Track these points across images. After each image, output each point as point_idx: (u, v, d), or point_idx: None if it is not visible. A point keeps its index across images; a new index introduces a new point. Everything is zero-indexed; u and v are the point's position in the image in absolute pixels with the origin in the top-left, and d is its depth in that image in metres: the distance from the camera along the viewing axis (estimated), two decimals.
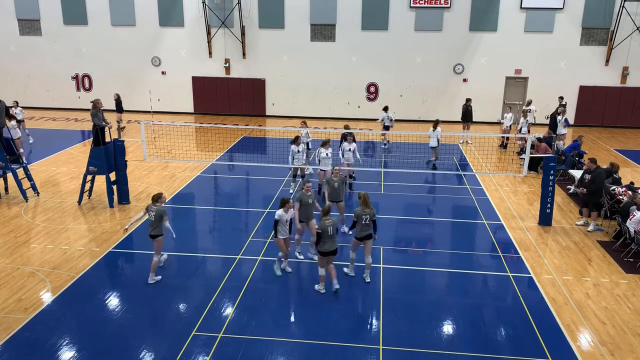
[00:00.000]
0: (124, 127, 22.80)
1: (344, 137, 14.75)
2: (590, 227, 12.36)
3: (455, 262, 10.70)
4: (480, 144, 21.45)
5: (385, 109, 20.51)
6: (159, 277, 9.69)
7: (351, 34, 25.19)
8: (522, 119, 19.86)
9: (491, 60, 24.91)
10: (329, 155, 13.46)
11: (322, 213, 9.24)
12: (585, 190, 12.47)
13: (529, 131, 19.89)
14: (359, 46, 25.31)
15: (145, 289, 9.39)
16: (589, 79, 24.59)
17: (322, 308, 8.90)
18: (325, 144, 13.50)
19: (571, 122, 20.12)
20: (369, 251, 9.61)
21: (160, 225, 9.42)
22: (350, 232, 9.66)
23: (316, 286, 9.41)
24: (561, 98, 21.34)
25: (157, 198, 9.52)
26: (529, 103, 21.08)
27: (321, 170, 13.45)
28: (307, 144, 16.28)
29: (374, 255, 10.92)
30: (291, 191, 14.51)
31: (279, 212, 9.55)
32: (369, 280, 9.65)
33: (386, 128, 20.31)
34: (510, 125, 20.30)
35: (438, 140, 17.38)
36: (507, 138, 20.56)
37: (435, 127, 17.52)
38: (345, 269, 9.91)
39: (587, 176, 12.61)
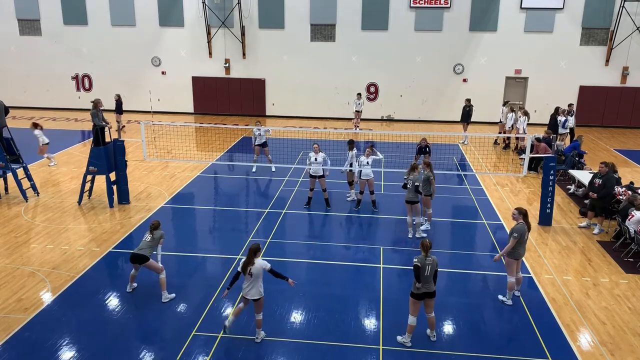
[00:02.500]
0: (124, 126, 22.80)
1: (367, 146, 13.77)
2: (596, 230, 12.26)
3: (455, 262, 10.70)
4: (480, 144, 21.45)
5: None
6: (173, 294, 9.12)
7: (351, 34, 25.19)
8: (522, 118, 19.81)
9: (491, 60, 24.91)
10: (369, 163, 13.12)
11: (423, 249, 7.77)
12: (595, 195, 12.14)
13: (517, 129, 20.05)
14: (359, 46, 25.31)
15: (145, 289, 9.38)
16: (589, 79, 24.60)
17: (322, 308, 8.90)
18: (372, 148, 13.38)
19: (572, 123, 20.12)
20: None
21: (154, 248, 8.93)
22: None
23: (399, 338, 7.99)
24: (570, 105, 21.17)
25: (157, 226, 9.04)
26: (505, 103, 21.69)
27: (362, 179, 13.23)
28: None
29: (374, 255, 10.98)
30: (348, 198, 14.30)
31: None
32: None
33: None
34: (512, 125, 20.30)
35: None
36: (509, 138, 20.58)
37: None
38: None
39: (598, 180, 12.21)
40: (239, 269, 7.76)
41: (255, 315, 7.95)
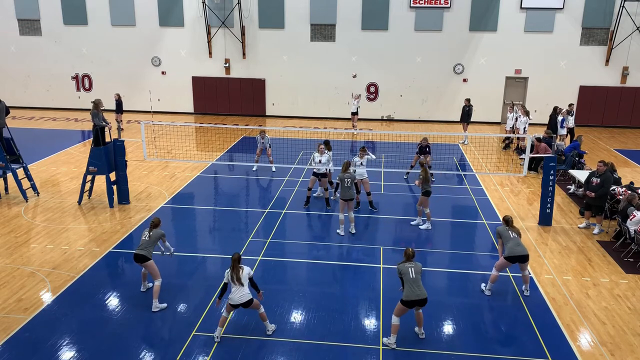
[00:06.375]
0: (122, 129, 22.78)
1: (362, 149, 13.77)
2: (596, 230, 12.24)
3: (455, 262, 10.70)
4: (480, 144, 21.45)
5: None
6: (165, 304, 8.82)
7: (351, 34, 25.19)
8: (523, 118, 19.81)
9: (491, 60, 24.91)
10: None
11: (404, 255, 7.88)
12: (593, 194, 12.09)
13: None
14: (359, 46, 25.31)
15: (146, 289, 9.38)
16: (589, 79, 24.59)
17: (322, 308, 8.90)
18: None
19: (571, 123, 20.13)
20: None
21: (155, 248, 8.78)
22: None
23: (385, 339, 7.96)
24: (570, 105, 21.15)
25: (157, 224, 8.84)
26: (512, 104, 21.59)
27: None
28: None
29: (374, 256, 10.98)
30: (315, 194, 14.40)
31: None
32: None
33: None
34: (514, 125, 20.30)
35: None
36: (509, 138, 20.58)
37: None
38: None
39: (595, 179, 12.15)
40: (226, 280, 7.77)
41: (258, 312, 8.07)
